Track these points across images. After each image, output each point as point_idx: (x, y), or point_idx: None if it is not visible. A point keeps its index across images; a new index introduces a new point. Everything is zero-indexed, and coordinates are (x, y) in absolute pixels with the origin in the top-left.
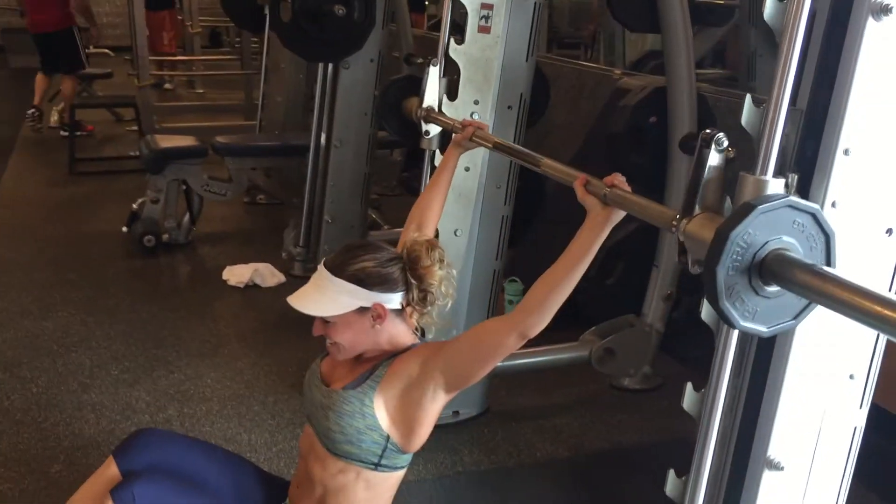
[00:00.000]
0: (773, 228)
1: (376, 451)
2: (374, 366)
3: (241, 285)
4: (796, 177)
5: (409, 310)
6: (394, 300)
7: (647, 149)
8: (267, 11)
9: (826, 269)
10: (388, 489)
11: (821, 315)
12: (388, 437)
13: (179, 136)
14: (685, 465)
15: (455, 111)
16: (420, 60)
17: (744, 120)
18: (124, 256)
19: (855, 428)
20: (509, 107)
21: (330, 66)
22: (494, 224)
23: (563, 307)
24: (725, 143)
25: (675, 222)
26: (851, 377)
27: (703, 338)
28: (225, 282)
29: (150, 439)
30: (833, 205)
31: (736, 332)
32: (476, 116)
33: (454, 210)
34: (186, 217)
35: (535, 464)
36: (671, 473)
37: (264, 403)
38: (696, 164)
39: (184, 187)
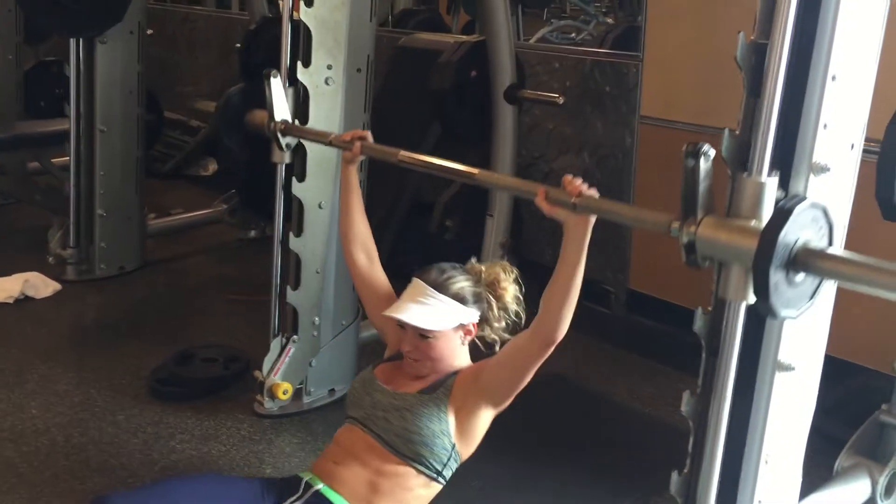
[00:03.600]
0: (800, 226)
1: (443, 458)
2: (442, 377)
3: (11, 300)
4: (779, 172)
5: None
6: (478, 317)
7: (471, 103)
8: None
9: (845, 253)
10: (429, 499)
11: None
12: (454, 446)
13: None
14: (561, 401)
15: (309, 77)
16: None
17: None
18: None
19: None
20: (358, 69)
21: (82, 41)
22: None
23: (413, 267)
24: (712, 154)
25: (674, 225)
26: None
27: (535, 278)
28: None
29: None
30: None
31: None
32: (331, 83)
33: (316, 183)
34: None
35: None
36: (685, 395)
37: (116, 423)
38: (689, 174)
39: None
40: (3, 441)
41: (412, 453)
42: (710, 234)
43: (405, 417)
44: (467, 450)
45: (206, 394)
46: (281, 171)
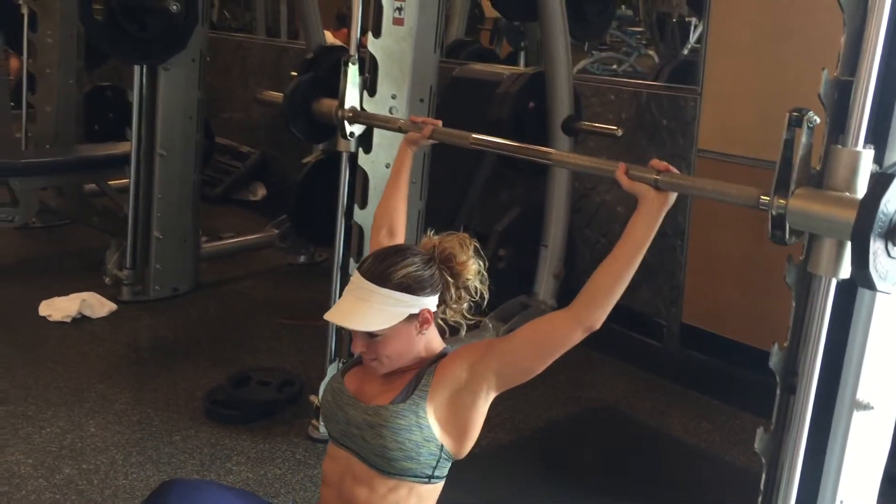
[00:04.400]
0: None
1: (431, 463)
2: (416, 375)
3: (69, 319)
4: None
5: (438, 310)
6: (435, 303)
7: (528, 133)
8: (25, 12)
9: None
10: (434, 500)
11: None
12: (441, 447)
13: None
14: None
15: (375, 107)
16: None
17: (822, 92)
18: None
19: None
20: (421, 99)
21: (145, 68)
22: (412, 220)
23: None
24: (816, 121)
25: (764, 199)
26: None
27: None
28: (45, 318)
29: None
30: None
31: (829, 303)
32: (395, 112)
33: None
34: None
35: None
36: (759, 431)
37: (173, 443)
38: (787, 143)
39: None
40: (64, 458)
41: (398, 469)
42: (803, 206)
43: (382, 435)
44: (464, 443)
45: (261, 417)
46: (343, 198)
